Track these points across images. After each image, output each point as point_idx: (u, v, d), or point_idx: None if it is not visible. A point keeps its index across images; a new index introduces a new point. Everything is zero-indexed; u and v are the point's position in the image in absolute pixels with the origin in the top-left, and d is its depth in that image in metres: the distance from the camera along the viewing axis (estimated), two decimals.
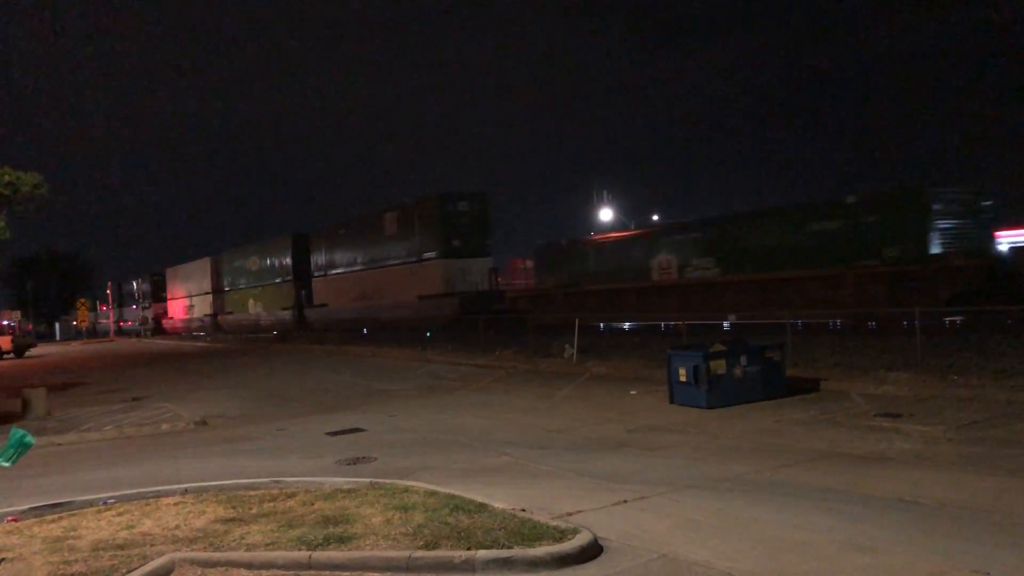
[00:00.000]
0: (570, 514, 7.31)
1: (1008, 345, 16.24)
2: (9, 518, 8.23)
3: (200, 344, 56.18)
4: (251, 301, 62.53)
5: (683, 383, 14.28)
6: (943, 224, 22.43)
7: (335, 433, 13.87)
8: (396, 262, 43.59)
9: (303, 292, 54.32)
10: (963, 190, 23.36)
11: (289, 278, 55.46)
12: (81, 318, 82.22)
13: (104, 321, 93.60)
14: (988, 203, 23.66)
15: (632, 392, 16.66)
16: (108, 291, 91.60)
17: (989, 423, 11.23)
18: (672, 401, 14.57)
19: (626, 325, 32.10)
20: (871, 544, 6.21)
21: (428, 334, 33.56)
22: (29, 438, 7.48)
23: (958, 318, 20.91)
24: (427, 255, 40.82)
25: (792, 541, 6.38)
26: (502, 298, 39.13)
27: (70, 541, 7.16)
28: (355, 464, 10.94)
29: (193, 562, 6.42)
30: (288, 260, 55.41)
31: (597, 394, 17.07)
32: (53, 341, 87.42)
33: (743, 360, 14.22)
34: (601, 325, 27.54)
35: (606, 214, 56.22)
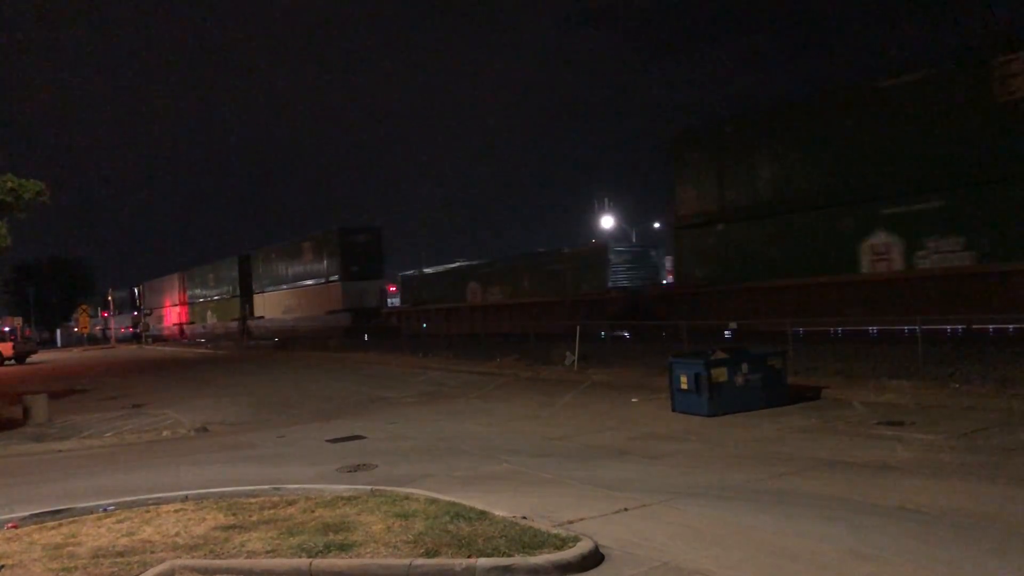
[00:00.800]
0: (571, 522, 7.29)
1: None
2: (9, 525, 8.21)
3: (200, 351, 56.23)
4: (208, 312, 73.28)
5: (684, 391, 14.26)
6: (617, 270, 32.77)
7: (335, 440, 13.85)
8: (311, 283, 54.03)
9: (247, 306, 64.11)
10: (636, 246, 35.57)
11: (237, 294, 65.72)
12: (82, 324, 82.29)
13: (100, 328, 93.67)
14: (654, 253, 34.98)
15: (633, 400, 16.65)
16: (109, 297, 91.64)
17: (991, 431, 11.21)
18: (673, 409, 14.55)
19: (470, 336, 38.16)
20: (873, 553, 6.19)
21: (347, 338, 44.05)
22: None
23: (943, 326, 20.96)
24: (332, 278, 50.80)
25: (794, 549, 6.36)
26: (381, 314, 49.41)
27: (70, 548, 7.14)
28: (355, 471, 10.92)
29: (193, 569, 6.40)
30: (235, 277, 65.90)
31: (598, 402, 17.06)
32: (54, 347, 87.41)
33: (744, 368, 14.21)
34: (603, 333, 27.86)
35: (607, 221, 56.34)
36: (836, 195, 22.89)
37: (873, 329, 22.82)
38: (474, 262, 44.08)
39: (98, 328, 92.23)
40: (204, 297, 74.02)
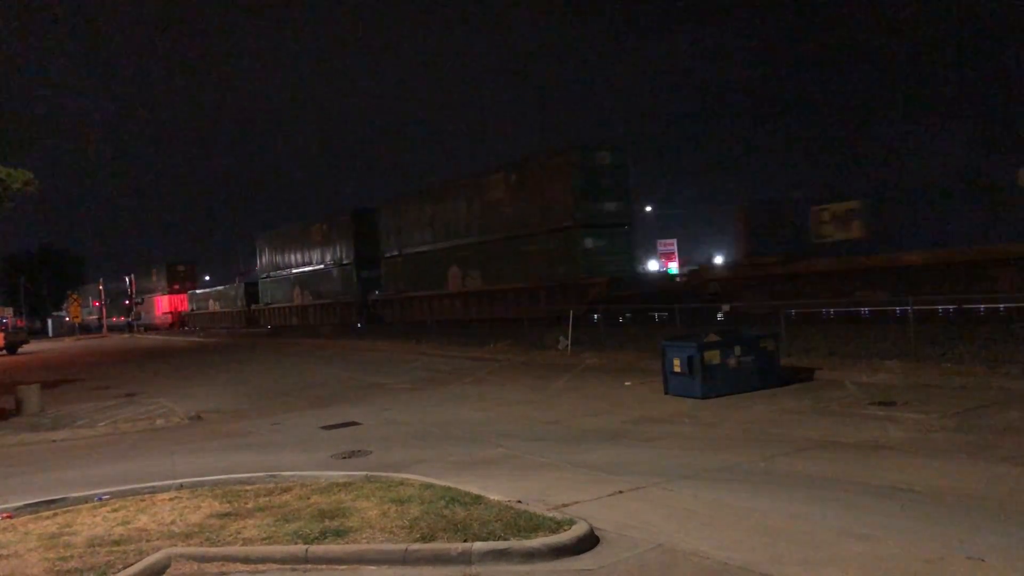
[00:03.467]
0: (566, 505, 7.32)
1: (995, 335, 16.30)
2: (4, 515, 8.20)
3: (192, 339, 56.11)
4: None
5: (678, 374, 14.30)
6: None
7: (330, 427, 13.86)
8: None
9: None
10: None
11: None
12: (73, 314, 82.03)
13: (93, 317, 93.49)
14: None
15: (627, 383, 16.68)
16: (100, 287, 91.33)
17: (983, 411, 11.28)
18: (667, 392, 14.59)
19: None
20: (866, 532, 6.24)
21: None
22: None
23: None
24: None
25: (787, 530, 6.40)
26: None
27: (65, 537, 7.14)
28: (350, 458, 10.93)
29: (189, 557, 6.41)
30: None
31: (592, 385, 17.09)
32: (45, 337, 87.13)
33: (737, 350, 14.24)
34: (595, 316, 27.62)
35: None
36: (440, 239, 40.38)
37: (865, 310, 22.96)
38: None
39: (93, 318, 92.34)
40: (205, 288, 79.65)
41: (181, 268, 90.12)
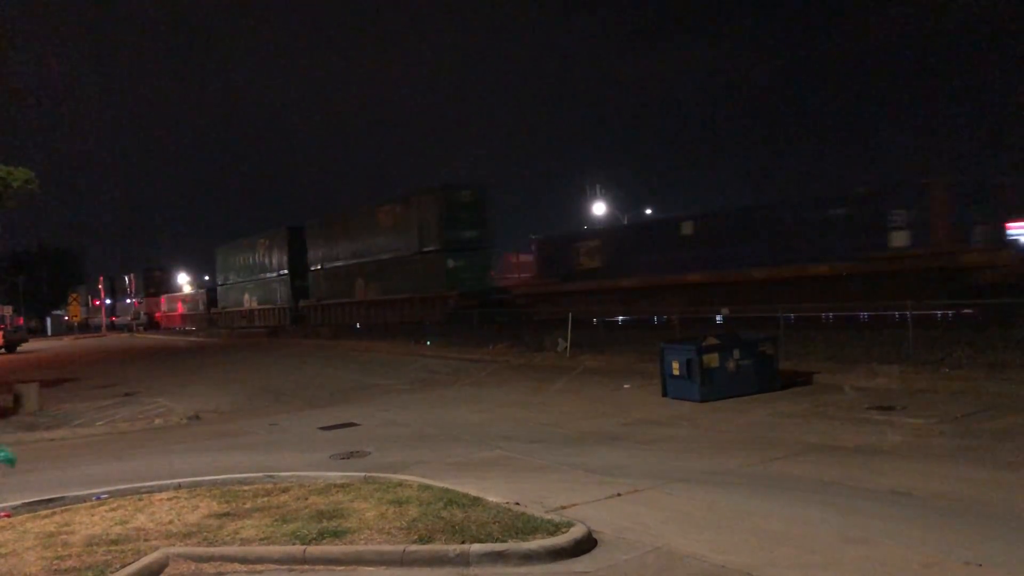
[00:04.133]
0: (564, 507, 7.31)
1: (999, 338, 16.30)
2: (2, 514, 8.19)
3: (192, 339, 56.11)
4: (179, 303, 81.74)
5: (676, 377, 14.30)
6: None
7: (328, 428, 13.86)
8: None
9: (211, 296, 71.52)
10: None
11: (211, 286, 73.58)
12: (73, 313, 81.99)
13: (95, 317, 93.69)
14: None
15: (625, 386, 16.68)
16: (100, 285, 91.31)
17: (981, 415, 11.28)
18: (665, 395, 14.59)
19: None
20: (864, 536, 6.24)
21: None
22: (10, 455, 8.31)
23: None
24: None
25: (785, 534, 6.40)
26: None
27: (63, 536, 7.14)
28: (349, 458, 10.93)
29: (187, 557, 6.41)
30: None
31: (590, 388, 17.09)
32: (44, 336, 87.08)
33: (736, 354, 14.25)
34: (594, 320, 28.01)
35: (599, 208, 56.32)
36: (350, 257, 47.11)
37: (864, 314, 22.99)
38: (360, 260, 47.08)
39: (102, 318, 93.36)
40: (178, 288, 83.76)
41: (157, 272, 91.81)
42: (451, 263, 38.47)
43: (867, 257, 22.77)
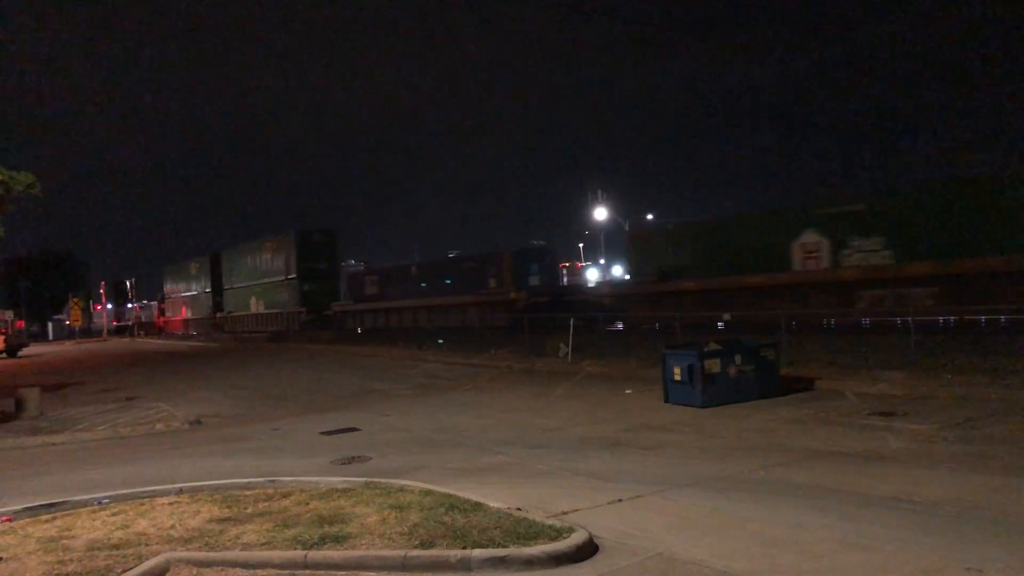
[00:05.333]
0: (566, 513, 7.31)
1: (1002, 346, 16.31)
2: (3, 518, 8.20)
3: (193, 344, 56.16)
4: (183, 307, 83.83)
5: (678, 382, 14.30)
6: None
7: (330, 432, 13.86)
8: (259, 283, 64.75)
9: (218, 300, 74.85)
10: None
11: (208, 289, 75.90)
12: (74, 317, 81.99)
13: (97, 321, 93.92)
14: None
15: (627, 391, 16.68)
16: (102, 290, 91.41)
17: (982, 421, 11.28)
18: (667, 400, 14.59)
19: None
20: (865, 542, 6.24)
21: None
22: None
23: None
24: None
25: (786, 539, 6.40)
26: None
27: (65, 541, 7.14)
28: (350, 463, 10.93)
29: (188, 562, 6.41)
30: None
31: (592, 393, 17.09)
32: (46, 341, 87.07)
33: (738, 359, 14.25)
34: (596, 325, 28.18)
35: (600, 213, 56.33)
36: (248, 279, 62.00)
37: (866, 320, 22.99)
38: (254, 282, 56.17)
39: (110, 320, 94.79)
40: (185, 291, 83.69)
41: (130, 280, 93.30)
42: (306, 287, 55.17)
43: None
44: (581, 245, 76.31)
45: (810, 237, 25.56)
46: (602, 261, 70.99)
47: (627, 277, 40.83)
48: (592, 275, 60.30)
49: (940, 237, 21.99)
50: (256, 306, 62.25)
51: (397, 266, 58.13)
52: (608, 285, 45.40)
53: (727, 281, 27.90)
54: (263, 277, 60.81)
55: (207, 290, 71.84)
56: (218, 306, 70.11)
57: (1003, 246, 20.52)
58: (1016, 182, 21.02)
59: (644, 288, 32.16)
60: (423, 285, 45.53)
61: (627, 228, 51.84)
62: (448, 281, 43.86)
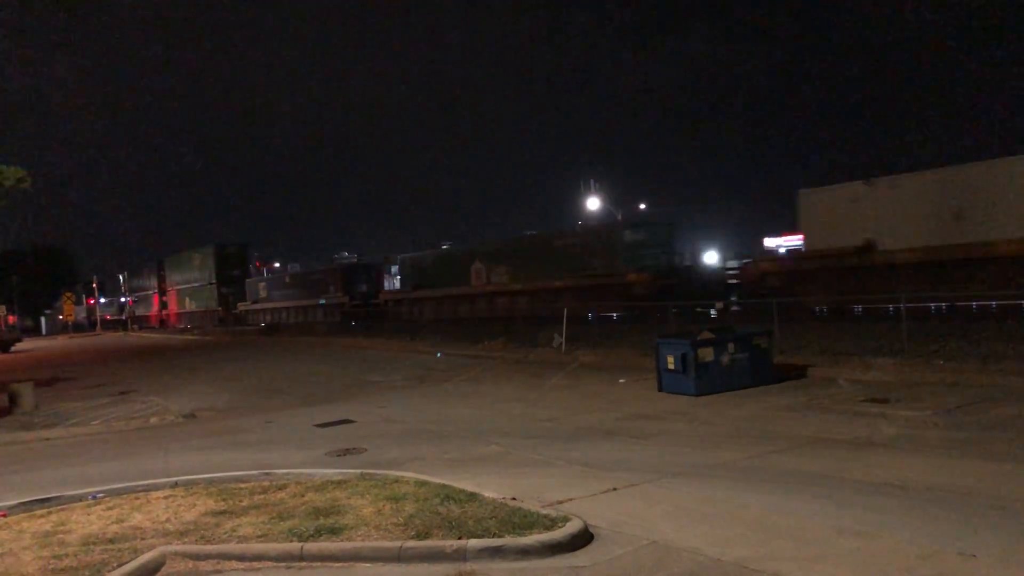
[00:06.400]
0: (560, 502, 7.33)
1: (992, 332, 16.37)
2: None
3: (186, 337, 56.07)
4: (187, 299, 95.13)
5: (671, 371, 14.33)
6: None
7: (324, 425, 13.86)
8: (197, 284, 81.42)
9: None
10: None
11: (213, 281, 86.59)
12: (67, 312, 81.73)
13: (89, 315, 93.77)
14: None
15: (621, 380, 16.71)
16: (94, 284, 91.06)
17: (974, 408, 11.34)
18: (661, 389, 14.62)
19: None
20: (859, 528, 6.27)
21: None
22: None
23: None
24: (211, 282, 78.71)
25: (781, 526, 6.43)
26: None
27: (60, 536, 7.13)
28: (345, 455, 10.94)
29: (184, 555, 6.41)
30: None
31: (586, 383, 17.12)
32: (38, 335, 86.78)
33: (731, 347, 14.28)
34: (589, 315, 28.00)
35: (593, 203, 56.31)
36: (186, 283, 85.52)
37: (858, 307, 23.08)
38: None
39: (101, 315, 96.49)
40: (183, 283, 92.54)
41: (161, 270, 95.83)
42: (224, 290, 72.00)
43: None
44: None
45: (477, 265, 41.88)
46: None
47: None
48: None
49: (531, 268, 37.85)
50: (188, 305, 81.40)
51: (278, 275, 77.23)
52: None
53: (434, 292, 44.96)
54: (194, 281, 79.02)
55: (155, 291, 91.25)
56: (163, 305, 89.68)
57: (559, 275, 35.16)
58: (557, 237, 37.99)
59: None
60: (292, 291, 62.09)
61: (619, 218, 51.85)
62: (310, 287, 58.77)
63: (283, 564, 6.22)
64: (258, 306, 67.00)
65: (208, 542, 6.65)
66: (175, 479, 9.19)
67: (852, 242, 24.23)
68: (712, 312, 24.65)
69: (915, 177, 23.77)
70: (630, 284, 31.83)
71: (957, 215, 22.05)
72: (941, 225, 22.38)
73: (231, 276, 72.46)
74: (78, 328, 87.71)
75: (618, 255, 33.52)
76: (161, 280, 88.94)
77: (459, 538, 6.21)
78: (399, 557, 6.10)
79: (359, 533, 6.56)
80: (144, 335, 71.54)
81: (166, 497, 8.42)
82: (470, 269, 42.82)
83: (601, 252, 34.47)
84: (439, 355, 25.68)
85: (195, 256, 78.07)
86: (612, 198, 58.85)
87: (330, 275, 58.17)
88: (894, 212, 23.57)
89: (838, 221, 25.15)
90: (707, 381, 13.93)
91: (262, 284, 70.03)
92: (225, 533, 6.87)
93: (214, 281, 72.63)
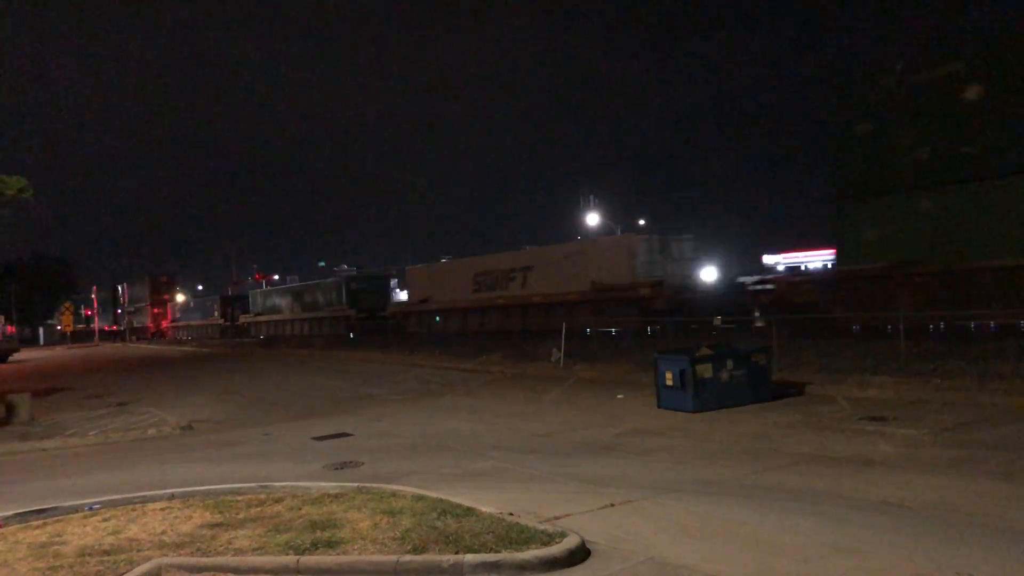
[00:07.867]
0: (558, 518, 7.32)
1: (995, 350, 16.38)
2: None
3: (185, 349, 56.01)
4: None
5: (670, 387, 14.33)
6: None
7: (322, 438, 13.84)
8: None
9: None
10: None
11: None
12: (65, 322, 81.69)
13: (83, 326, 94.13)
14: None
15: (619, 396, 16.70)
16: (93, 295, 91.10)
17: (972, 426, 11.34)
18: (659, 405, 14.62)
19: None
20: (856, 546, 6.26)
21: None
22: None
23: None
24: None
25: (778, 544, 6.42)
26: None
27: (56, 547, 7.11)
28: (342, 469, 10.92)
29: (180, 567, 6.39)
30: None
31: (584, 398, 17.10)
32: (37, 346, 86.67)
33: (729, 364, 14.29)
34: (587, 330, 28.10)
35: (592, 218, 56.42)
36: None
37: (856, 326, 23.08)
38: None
39: (101, 325, 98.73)
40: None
41: (163, 279, 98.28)
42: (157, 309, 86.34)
43: None
44: None
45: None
46: None
47: None
48: None
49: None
50: (189, 317, 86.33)
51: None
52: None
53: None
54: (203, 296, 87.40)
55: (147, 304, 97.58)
56: (162, 316, 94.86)
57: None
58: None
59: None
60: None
61: (619, 232, 51.93)
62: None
63: None
64: (263, 318, 67.04)
65: (204, 554, 6.63)
66: (172, 491, 9.16)
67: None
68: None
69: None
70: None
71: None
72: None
73: (162, 300, 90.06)
74: (76, 338, 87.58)
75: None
76: (159, 292, 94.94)
77: (456, 553, 6.19)
78: (395, 571, 6.08)
79: (355, 547, 6.55)
80: (143, 346, 71.44)
81: (163, 509, 8.39)
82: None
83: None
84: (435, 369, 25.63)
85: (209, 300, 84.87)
86: (617, 208, 58.96)
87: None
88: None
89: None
90: (705, 397, 13.93)
91: (264, 296, 70.04)
92: (221, 545, 6.85)
93: (147, 304, 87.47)
